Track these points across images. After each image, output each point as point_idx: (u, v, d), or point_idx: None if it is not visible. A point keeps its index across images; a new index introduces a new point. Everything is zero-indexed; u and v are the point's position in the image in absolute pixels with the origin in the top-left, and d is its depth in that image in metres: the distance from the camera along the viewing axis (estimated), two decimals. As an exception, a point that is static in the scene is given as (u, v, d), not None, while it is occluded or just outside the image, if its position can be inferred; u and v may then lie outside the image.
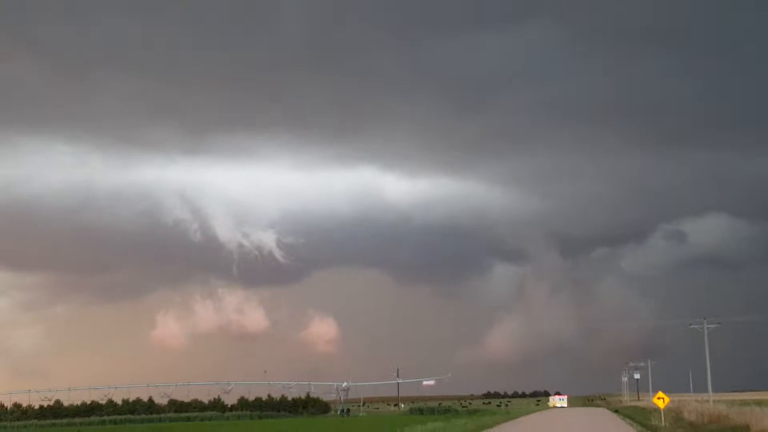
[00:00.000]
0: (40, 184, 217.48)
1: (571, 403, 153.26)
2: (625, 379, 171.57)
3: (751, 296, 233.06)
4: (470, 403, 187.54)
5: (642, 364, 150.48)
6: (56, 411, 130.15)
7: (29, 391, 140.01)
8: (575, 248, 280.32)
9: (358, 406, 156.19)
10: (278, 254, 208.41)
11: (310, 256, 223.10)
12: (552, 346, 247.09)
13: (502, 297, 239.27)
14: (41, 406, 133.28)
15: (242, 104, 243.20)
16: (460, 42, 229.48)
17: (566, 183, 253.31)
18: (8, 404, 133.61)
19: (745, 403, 78.24)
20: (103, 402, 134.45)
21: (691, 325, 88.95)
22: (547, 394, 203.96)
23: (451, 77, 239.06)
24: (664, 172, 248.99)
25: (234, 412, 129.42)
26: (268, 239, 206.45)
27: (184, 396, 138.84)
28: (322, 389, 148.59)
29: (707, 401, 75.31)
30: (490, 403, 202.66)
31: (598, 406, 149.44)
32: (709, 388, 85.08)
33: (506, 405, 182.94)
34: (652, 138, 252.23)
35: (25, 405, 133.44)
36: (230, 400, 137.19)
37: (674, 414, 62.08)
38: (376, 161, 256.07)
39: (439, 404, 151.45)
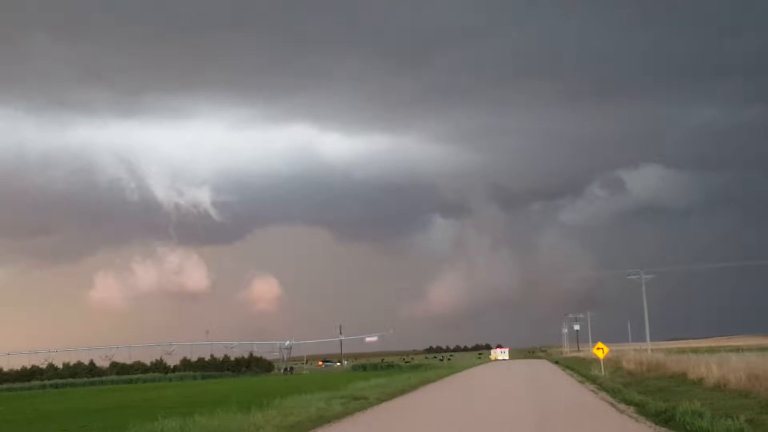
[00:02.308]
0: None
1: (513, 355, 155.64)
2: (565, 330, 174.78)
3: (688, 246, 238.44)
4: (413, 359, 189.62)
5: (581, 315, 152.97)
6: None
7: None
8: (514, 202, 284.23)
9: (302, 364, 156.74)
10: (215, 213, 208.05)
11: (249, 215, 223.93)
12: (493, 300, 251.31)
13: (443, 252, 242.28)
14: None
15: (175, 64, 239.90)
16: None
17: (503, 138, 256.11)
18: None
19: (681, 351, 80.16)
20: (44, 366, 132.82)
21: (628, 275, 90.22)
22: (489, 348, 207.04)
23: (388, 33, 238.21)
24: (599, 126, 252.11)
25: (177, 373, 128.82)
26: (204, 198, 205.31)
27: (126, 358, 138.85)
28: (265, 348, 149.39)
29: (645, 350, 76.82)
30: (434, 357, 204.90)
31: (539, 358, 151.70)
32: (647, 337, 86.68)
33: (449, 359, 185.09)
34: (586, 91, 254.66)
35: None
36: (173, 361, 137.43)
37: (613, 364, 63.10)
38: (312, 120, 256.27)
39: (382, 360, 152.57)
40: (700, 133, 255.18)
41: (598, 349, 57.12)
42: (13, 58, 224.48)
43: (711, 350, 78.91)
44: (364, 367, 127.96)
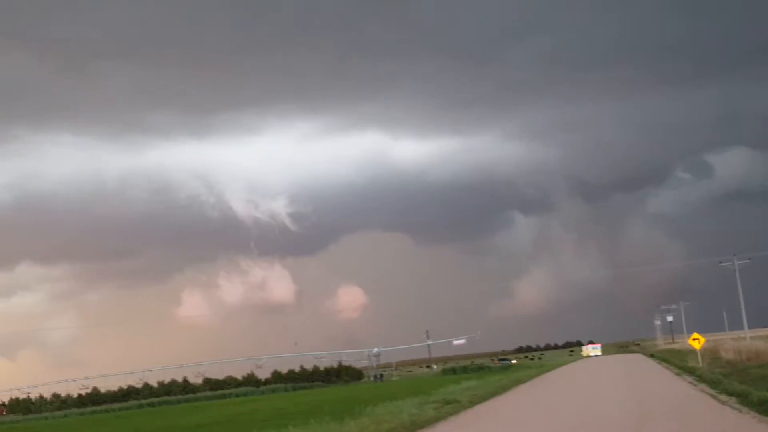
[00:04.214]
0: (51, 177, 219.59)
1: (605, 351, 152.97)
2: (658, 322, 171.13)
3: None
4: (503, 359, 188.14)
5: (674, 306, 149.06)
6: (94, 398, 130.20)
7: (66, 380, 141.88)
8: (597, 194, 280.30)
9: (391, 370, 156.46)
10: (293, 224, 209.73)
11: (327, 225, 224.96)
12: (582, 295, 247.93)
13: (527, 249, 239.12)
14: (79, 395, 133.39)
15: (242, 82, 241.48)
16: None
17: (580, 131, 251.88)
18: (47, 395, 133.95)
19: (781, 337, 77.50)
20: (139, 386, 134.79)
21: (721, 262, 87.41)
22: (580, 344, 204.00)
23: (454, 33, 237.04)
24: (676, 112, 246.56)
25: (268, 386, 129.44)
26: (281, 210, 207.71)
27: (218, 374, 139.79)
28: (354, 357, 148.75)
29: (744, 339, 74.52)
30: (526, 357, 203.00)
31: (633, 352, 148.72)
32: (745, 325, 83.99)
33: (539, 358, 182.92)
34: (658, 79, 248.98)
35: (63, 395, 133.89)
36: (263, 374, 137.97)
37: (711, 354, 61.44)
38: (383, 127, 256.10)
39: (472, 362, 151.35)
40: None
41: (694, 339, 55.76)
42: (85, 87, 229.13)
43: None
44: (453, 371, 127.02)
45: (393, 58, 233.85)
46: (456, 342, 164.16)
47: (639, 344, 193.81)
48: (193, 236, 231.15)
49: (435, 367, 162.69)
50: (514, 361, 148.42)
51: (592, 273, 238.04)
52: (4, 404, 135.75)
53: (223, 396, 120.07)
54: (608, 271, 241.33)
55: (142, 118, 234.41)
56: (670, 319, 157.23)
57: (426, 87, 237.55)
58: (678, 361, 63.44)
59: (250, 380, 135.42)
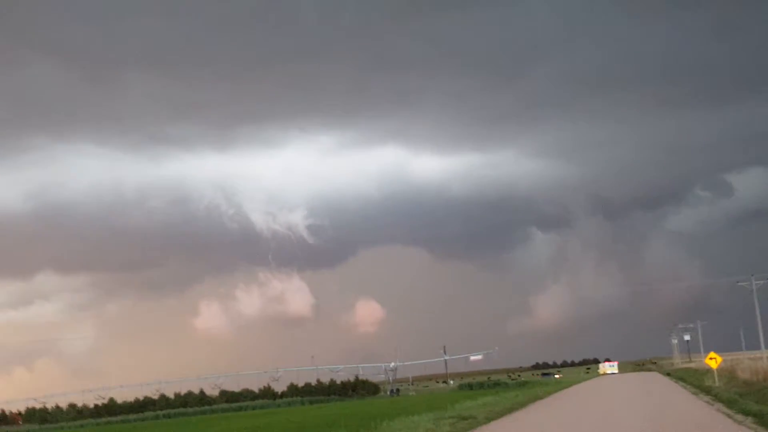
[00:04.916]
0: (72, 187, 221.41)
1: (622, 369, 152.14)
2: (675, 341, 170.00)
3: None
4: (519, 376, 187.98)
5: (691, 325, 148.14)
6: (110, 409, 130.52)
7: (83, 390, 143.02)
8: (617, 212, 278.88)
9: (408, 385, 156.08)
10: (311, 237, 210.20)
11: (346, 239, 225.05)
12: (599, 313, 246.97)
13: (545, 266, 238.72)
14: (96, 405, 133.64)
15: (264, 95, 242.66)
16: (484, 14, 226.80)
17: (601, 148, 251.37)
18: (64, 405, 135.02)
19: (799, 358, 76.77)
20: (156, 397, 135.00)
21: (738, 282, 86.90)
22: (597, 362, 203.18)
23: (478, 50, 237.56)
24: (699, 131, 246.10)
25: (285, 399, 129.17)
26: (299, 223, 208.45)
27: (234, 386, 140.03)
28: (371, 371, 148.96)
29: (761, 359, 74.03)
30: (541, 373, 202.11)
31: (650, 370, 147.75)
32: (762, 345, 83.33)
33: (556, 375, 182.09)
34: (680, 99, 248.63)
35: (80, 405, 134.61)
36: (280, 387, 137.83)
37: (728, 373, 61.06)
38: (404, 142, 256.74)
39: (488, 378, 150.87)
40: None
41: (711, 359, 55.54)
42: (108, 97, 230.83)
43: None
44: (470, 386, 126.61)
45: (416, 73, 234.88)
46: (473, 358, 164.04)
47: (655, 363, 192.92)
48: (212, 248, 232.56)
49: (452, 382, 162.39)
50: (558, 375, 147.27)
51: (610, 290, 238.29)
52: (20, 414, 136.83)
53: (240, 408, 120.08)
54: (626, 288, 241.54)
55: (164, 129, 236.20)
56: (687, 338, 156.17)
57: (448, 102, 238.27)
58: (694, 380, 63.17)
59: (267, 393, 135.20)
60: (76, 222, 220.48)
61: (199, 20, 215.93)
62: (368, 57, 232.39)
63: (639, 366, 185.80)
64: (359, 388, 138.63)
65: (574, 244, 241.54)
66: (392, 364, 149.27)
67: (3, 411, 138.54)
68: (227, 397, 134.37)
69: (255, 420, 67.95)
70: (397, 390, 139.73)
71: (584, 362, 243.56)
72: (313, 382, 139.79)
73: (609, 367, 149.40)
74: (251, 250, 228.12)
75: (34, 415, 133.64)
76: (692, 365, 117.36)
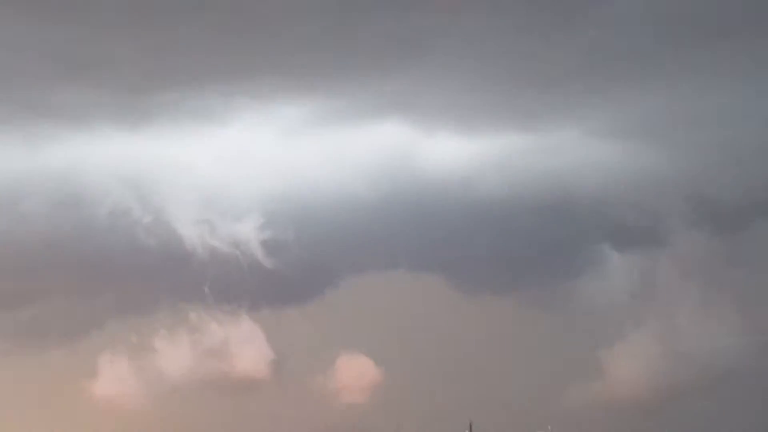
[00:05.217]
0: None
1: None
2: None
3: None
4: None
5: None
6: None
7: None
8: (732, 220, 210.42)
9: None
10: (270, 259, 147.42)
11: (322, 261, 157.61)
12: (706, 373, 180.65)
13: (623, 302, 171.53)
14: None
15: (193, 47, 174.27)
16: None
17: (706, 126, 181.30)
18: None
19: None
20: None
21: None
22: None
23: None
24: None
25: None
26: (250, 236, 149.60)
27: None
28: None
29: None
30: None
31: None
32: None
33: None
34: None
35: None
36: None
37: None
38: (406, 113, 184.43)
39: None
40: None
41: None
42: None
43: None
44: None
45: (428, 8, 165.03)
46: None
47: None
48: (119, 273, 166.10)
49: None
50: None
51: (723, 340, 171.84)
52: None
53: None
54: (747, 338, 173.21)
55: (44, 96, 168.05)
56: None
57: (475, 56, 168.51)
58: None
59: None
60: None
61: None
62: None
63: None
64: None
65: (668, 270, 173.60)
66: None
67: None
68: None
69: None
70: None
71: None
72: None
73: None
74: (178, 278, 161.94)
75: None
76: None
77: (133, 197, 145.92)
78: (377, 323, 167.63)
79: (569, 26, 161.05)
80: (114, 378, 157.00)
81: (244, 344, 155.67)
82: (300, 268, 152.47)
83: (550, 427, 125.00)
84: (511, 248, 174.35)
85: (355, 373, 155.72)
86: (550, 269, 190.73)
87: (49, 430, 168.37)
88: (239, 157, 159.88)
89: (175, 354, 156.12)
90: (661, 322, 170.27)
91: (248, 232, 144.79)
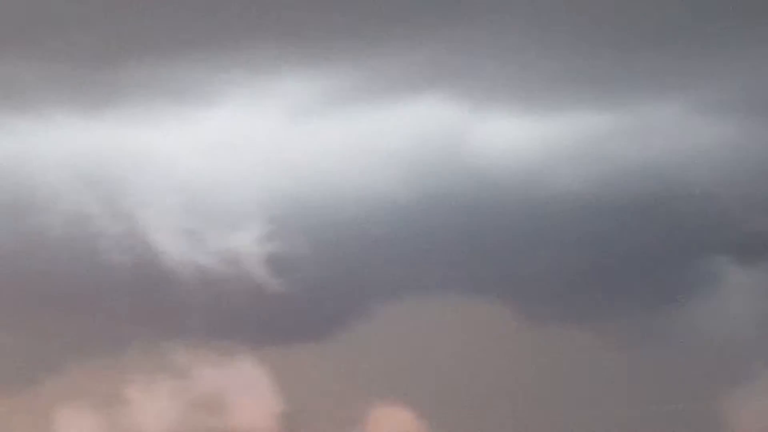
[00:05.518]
0: None
1: None
2: None
3: None
4: None
5: None
6: None
7: None
8: None
9: None
10: (277, 281, 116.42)
11: (346, 284, 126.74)
12: None
13: (747, 334, 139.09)
14: None
15: (172, 5, 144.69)
16: None
17: None
18: None
19: None
20: None
21: None
22: None
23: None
24: None
25: None
26: (248, 249, 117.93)
27: None
28: None
29: None
30: None
31: None
32: None
33: None
34: None
35: None
36: None
37: None
38: (452, 89, 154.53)
39: None
40: None
41: None
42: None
43: None
44: None
45: None
46: None
47: None
48: (79, 301, 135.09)
49: None
50: None
51: None
52: None
53: None
54: None
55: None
56: None
57: (538, 9, 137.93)
58: None
59: None
60: None
61: None
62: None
63: None
64: None
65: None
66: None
67: None
68: None
69: None
70: None
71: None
72: None
73: None
74: (156, 307, 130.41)
75: None
76: None
77: (95, 201, 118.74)
78: (418, 364, 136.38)
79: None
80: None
81: (244, 393, 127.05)
82: (316, 293, 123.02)
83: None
84: (591, 262, 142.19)
85: (390, 430, 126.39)
86: (646, 290, 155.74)
87: None
88: (233, 148, 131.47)
89: (153, 406, 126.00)
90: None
91: (248, 245, 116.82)
